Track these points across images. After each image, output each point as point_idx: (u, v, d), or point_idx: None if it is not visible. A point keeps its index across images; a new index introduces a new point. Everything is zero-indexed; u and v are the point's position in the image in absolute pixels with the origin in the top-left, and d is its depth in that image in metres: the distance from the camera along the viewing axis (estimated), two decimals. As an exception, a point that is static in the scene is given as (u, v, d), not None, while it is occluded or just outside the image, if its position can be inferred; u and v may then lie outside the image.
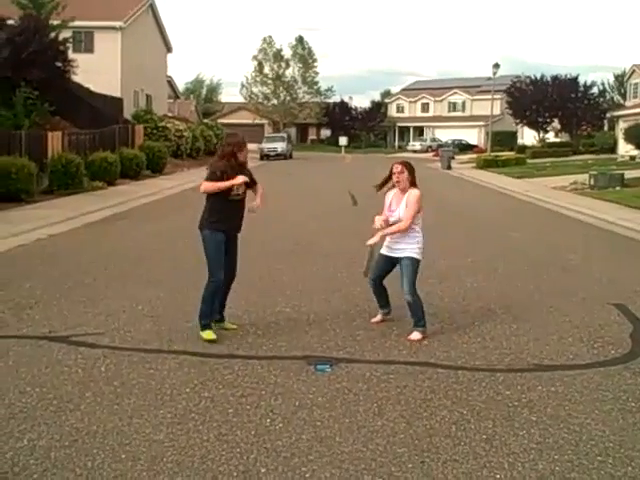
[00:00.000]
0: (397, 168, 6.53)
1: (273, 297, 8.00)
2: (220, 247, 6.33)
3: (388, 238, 6.63)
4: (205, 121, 54.47)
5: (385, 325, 6.90)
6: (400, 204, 6.52)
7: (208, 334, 6.37)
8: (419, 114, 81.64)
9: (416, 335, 6.55)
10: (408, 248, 6.62)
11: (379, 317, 7.03)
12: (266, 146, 53.23)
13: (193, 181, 27.55)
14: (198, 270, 9.70)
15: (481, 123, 68.86)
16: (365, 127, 77.68)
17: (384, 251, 6.75)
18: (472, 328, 7.01)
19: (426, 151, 66.44)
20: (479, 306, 7.94)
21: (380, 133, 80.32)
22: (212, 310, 6.42)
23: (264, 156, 51.02)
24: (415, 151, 68.40)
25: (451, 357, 6.08)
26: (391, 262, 6.70)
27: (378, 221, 6.65)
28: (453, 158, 44.32)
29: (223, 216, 6.31)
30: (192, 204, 19.40)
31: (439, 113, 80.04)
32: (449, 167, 40.61)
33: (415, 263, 6.58)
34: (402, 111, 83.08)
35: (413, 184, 6.58)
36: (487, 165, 39.83)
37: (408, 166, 6.63)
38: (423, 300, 7.84)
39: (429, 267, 10.15)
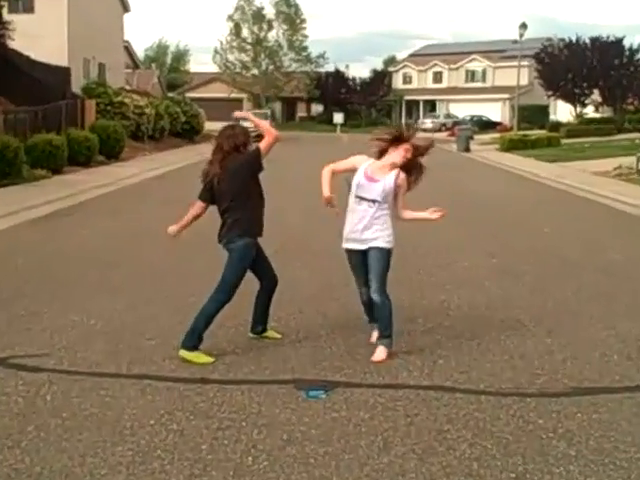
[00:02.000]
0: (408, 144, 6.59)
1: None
2: (250, 262, 6.63)
3: (349, 228, 6.55)
4: (170, 95, 54.40)
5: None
6: (386, 177, 6.49)
7: (198, 357, 6.39)
8: (430, 85, 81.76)
9: (381, 353, 6.44)
10: (380, 237, 6.46)
11: (375, 335, 6.76)
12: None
13: (156, 168, 27.63)
14: (162, 277, 9.74)
15: (505, 96, 69.03)
16: (365, 102, 77.73)
17: (350, 245, 6.59)
18: (497, 343, 6.97)
19: (439, 130, 66.34)
20: (505, 317, 7.91)
21: (383, 109, 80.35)
22: (203, 334, 6.51)
23: None
24: (426, 130, 68.07)
25: (472, 379, 6.04)
26: (363, 256, 6.55)
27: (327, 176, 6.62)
28: (472, 138, 44.52)
29: (259, 215, 6.64)
30: (155, 196, 19.46)
31: (454, 84, 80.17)
32: (467, 149, 40.80)
33: (387, 255, 6.47)
34: (410, 82, 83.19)
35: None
36: (513, 146, 39.95)
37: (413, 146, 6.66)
38: (437, 310, 7.84)
39: (445, 270, 10.27)
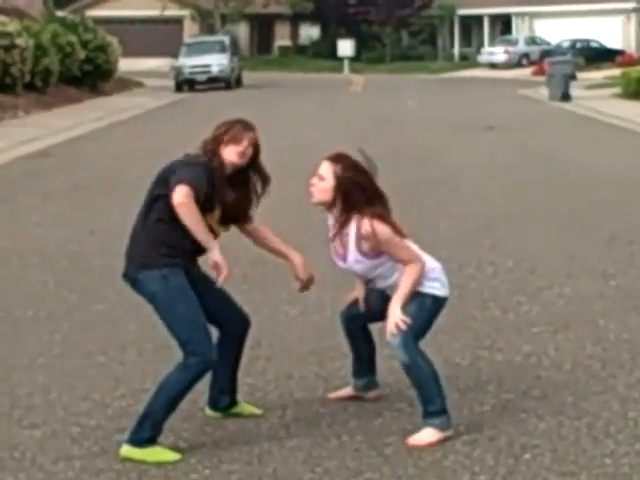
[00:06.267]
0: (321, 167, 5.48)
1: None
2: (190, 294, 5.14)
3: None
4: (61, 15, 40.55)
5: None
6: (348, 246, 5.51)
7: (160, 453, 4.98)
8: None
9: (427, 435, 5.04)
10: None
11: (347, 390, 5.71)
12: (188, 62, 38.84)
13: (35, 138, 20.43)
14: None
15: (629, 5, 52.70)
16: (391, 19, 56.88)
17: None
18: (621, 424, 5.09)
19: (518, 64, 51.50)
20: (635, 379, 5.83)
21: (422, 31, 60.09)
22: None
23: (184, 82, 38.27)
24: (495, 65, 53.60)
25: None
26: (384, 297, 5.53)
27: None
28: (574, 78, 34.51)
29: (186, 244, 5.15)
30: (33, 188, 14.77)
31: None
32: (566, 96, 31.41)
33: (425, 303, 5.26)
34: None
35: (367, 210, 5.34)
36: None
37: (346, 167, 5.35)
38: (519, 370, 6.32)
39: (532, 301, 7.93)
